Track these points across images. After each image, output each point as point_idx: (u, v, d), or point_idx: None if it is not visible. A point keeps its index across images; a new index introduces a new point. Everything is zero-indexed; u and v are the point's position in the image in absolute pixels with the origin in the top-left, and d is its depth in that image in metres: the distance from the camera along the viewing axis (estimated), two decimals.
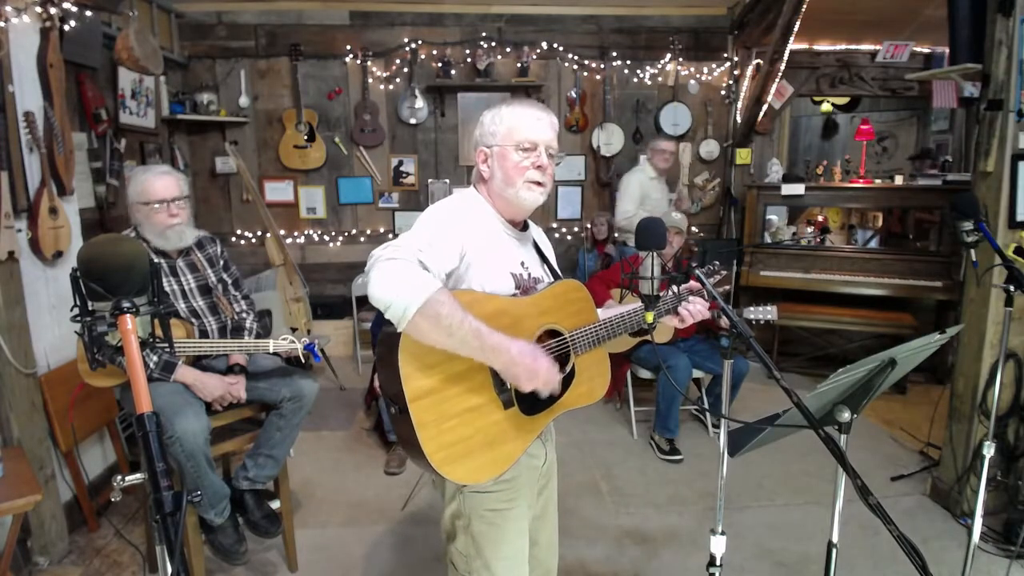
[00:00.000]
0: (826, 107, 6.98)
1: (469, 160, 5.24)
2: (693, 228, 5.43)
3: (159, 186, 2.26)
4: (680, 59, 5.19)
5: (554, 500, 1.73)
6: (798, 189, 4.86)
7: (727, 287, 1.64)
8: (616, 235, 4.90)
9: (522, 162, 1.45)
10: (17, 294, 2.49)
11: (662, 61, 5.21)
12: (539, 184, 1.47)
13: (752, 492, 3.10)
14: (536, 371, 1.32)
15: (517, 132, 1.46)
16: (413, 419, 1.27)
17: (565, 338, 1.50)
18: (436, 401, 1.30)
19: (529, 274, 1.52)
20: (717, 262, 1.84)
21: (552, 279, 1.60)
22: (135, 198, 2.26)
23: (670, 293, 1.62)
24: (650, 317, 1.37)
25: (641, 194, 4.46)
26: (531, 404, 1.44)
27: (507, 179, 1.46)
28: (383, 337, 1.34)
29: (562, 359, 1.49)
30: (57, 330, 2.75)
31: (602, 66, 5.17)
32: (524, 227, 1.59)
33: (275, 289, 4.23)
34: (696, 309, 1.63)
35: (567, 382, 1.50)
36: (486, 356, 1.30)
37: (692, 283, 1.61)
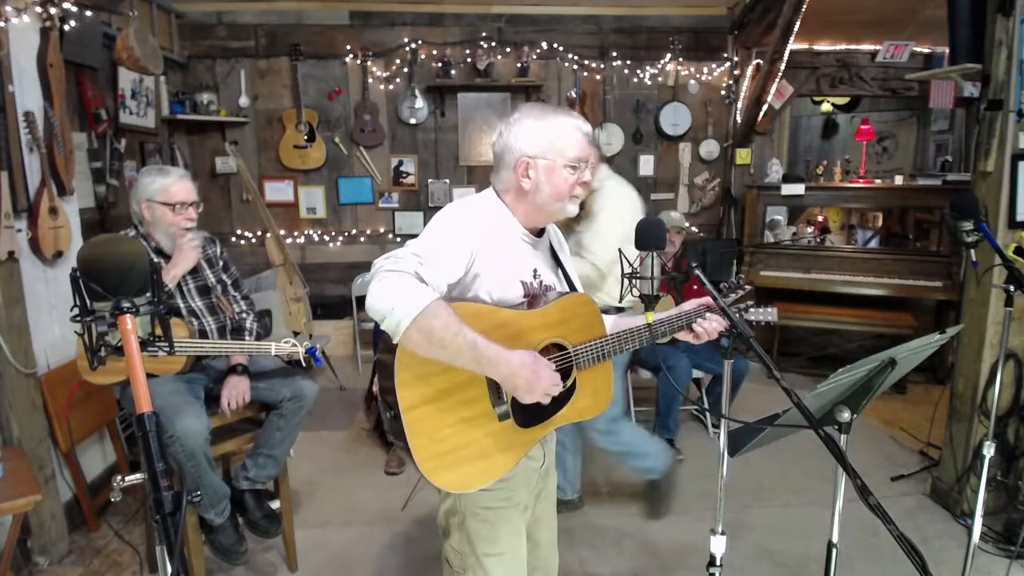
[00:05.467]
0: (826, 107, 6.98)
1: (469, 160, 5.25)
2: (693, 228, 5.43)
3: (180, 188, 2.28)
4: (680, 59, 5.19)
5: (553, 501, 1.73)
6: (798, 189, 4.86)
7: (750, 303, 1.60)
8: None
9: (571, 178, 1.46)
10: (17, 294, 2.49)
11: (662, 61, 5.21)
12: (579, 196, 1.50)
13: (752, 492, 3.10)
14: (537, 382, 1.32)
15: (569, 150, 1.44)
16: (406, 428, 1.27)
17: (569, 352, 1.48)
18: (430, 412, 1.30)
19: (540, 282, 1.50)
20: (741, 277, 1.78)
21: (566, 286, 1.59)
22: (152, 196, 2.25)
23: (682, 311, 1.59)
24: (650, 317, 1.37)
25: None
26: (527, 416, 1.42)
27: (557, 195, 1.46)
28: (385, 342, 1.32)
29: (564, 373, 1.46)
30: (57, 330, 2.75)
31: (602, 66, 5.17)
32: (541, 232, 1.57)
33: (275, 289, 4.23)
34: (711, 327, 1.59)
35: (567, 396, 1.48)
36: (483, 368, 1.29)
37: (707, 300, 1.57)
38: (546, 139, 1.44)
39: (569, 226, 2.55)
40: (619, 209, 2.61)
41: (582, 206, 2.22)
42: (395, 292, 1.22)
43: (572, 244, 2.49)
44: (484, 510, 1.48)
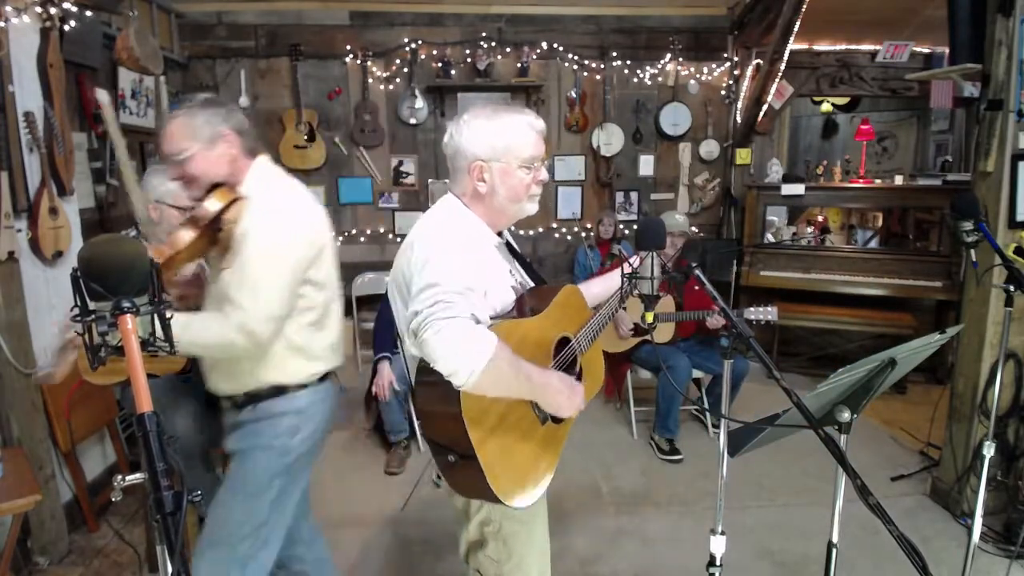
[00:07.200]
0: (826, 107, 6.98)
1: None
2: (693, 228, 5.43)
3: None
4: (680, 59, 5.19)
5: None
6: (798, 189, 4.87)
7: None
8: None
9: (526, 179, 1.45)
10: (17, 294, 2.49)
11: (662, 61, 5.21)
12: (536, 194, 1.51)
13: (752, 492, 3.10)
14: (574, 398, 1.40)
15: (522, 150, 1.43)
16: (482, 464, 1.28)
17: (573, 343, 1.55)
18: (496, 439, 1.33)
19: (517, 280, 1.54)
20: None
21: (529, 278, 1.62)
22: (162, 197, 2.23)
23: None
24: (650, 317, 1.37)
25: None
26: None
27: (514, 196, 1.45)
28: (428, 388, 1.32)
29: (572, 362, 1.56)
30: (57, 330, 2.75)
31: (602, 66, 5.17)
32: (500, 233, 1.59)
33: None
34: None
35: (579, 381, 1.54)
36: (535, 395, 1.37)
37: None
38: (499, 141, 1.41)
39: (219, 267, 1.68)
40: (275, 233, 1.63)
41: (221, 231, 1.61)
42: (463, 344, 1.20)
43: (216, 292, 1.67)
44: (519, 511, 1.49)
